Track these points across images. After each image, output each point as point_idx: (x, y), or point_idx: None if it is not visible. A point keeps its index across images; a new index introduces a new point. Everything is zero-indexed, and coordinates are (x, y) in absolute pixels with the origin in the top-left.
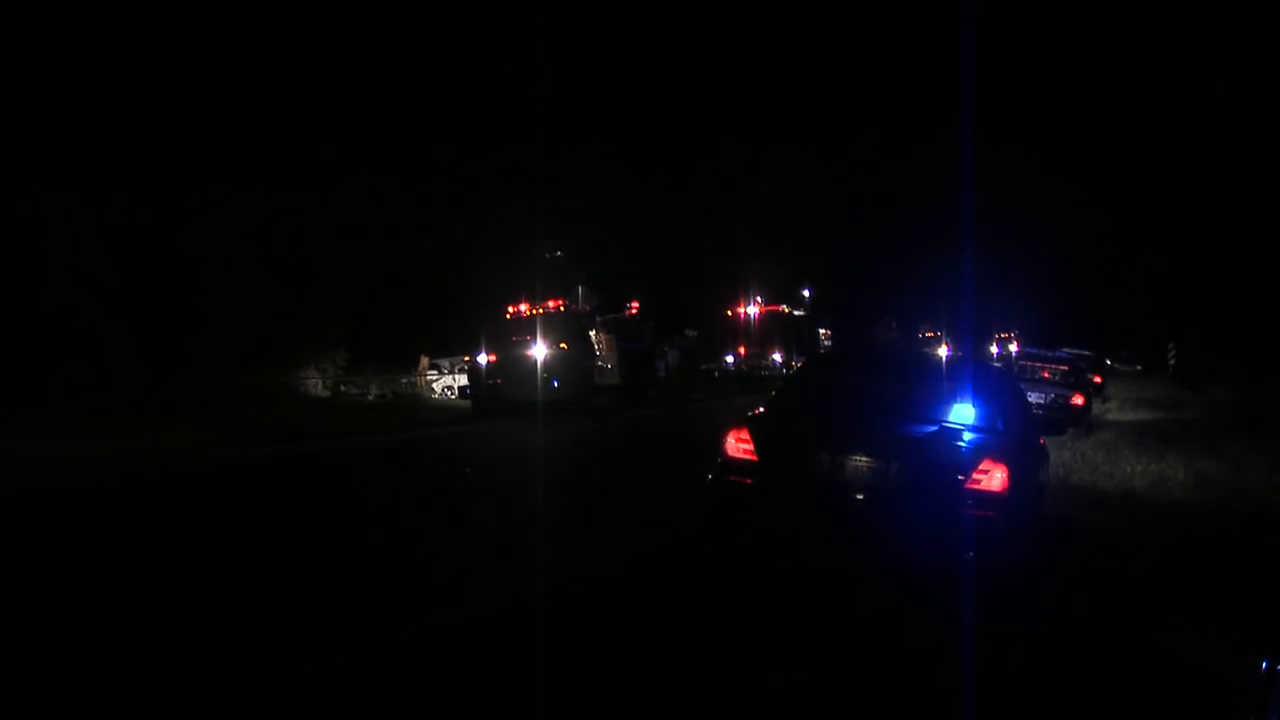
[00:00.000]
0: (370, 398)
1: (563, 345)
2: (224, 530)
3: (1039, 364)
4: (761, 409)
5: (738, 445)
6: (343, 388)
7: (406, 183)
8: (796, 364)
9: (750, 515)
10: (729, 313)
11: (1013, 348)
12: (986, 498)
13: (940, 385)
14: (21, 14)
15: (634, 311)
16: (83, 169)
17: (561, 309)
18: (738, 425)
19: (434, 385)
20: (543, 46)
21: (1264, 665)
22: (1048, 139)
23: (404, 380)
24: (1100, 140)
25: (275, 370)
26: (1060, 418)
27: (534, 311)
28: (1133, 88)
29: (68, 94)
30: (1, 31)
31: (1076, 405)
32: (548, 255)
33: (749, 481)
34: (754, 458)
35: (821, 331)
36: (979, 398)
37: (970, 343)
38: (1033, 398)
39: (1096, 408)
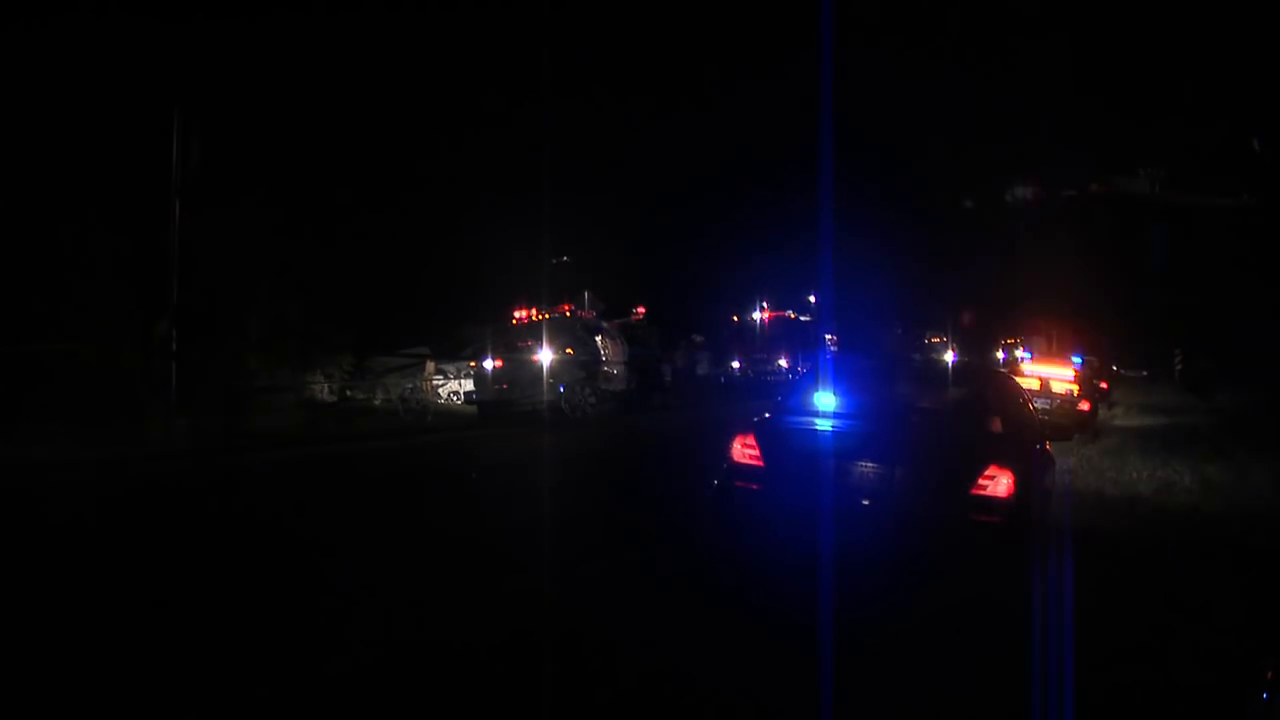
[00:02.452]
0: (377, 402)
1: (569, 350)
2: (226, 536)
3: (1046, 369)
4: (768, 414)
5: (744, 451)
6: (349, 393)
7: (413, 189)
8: (802, 369)
9: (756, 520)
10: (735, 318)
11: (1019, 353)
12: (992, 503)
13: (946, 391)
14: (25, 19)
15: (640, 316)
16: (89, 174)
17: (568, 314)
18: (744, 431)
19: (440, 390)
20: (549, 50)
21: (1269, 674)
22: (1052, 150)
23: (409, 385)
24: (1106, 145)
25: (281, 375)
26: (1066, 423)
27: (540, 317)
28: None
29: (69, 93)
30: (7, 37)
31: (1083, 411)
32: (554, 260)
33: (755, 487)
34: (760, 463)
35: (828, 337)
36: (985, 403)
37: (976, 347)
38: (1039, 403)
39: (1103, 413)
